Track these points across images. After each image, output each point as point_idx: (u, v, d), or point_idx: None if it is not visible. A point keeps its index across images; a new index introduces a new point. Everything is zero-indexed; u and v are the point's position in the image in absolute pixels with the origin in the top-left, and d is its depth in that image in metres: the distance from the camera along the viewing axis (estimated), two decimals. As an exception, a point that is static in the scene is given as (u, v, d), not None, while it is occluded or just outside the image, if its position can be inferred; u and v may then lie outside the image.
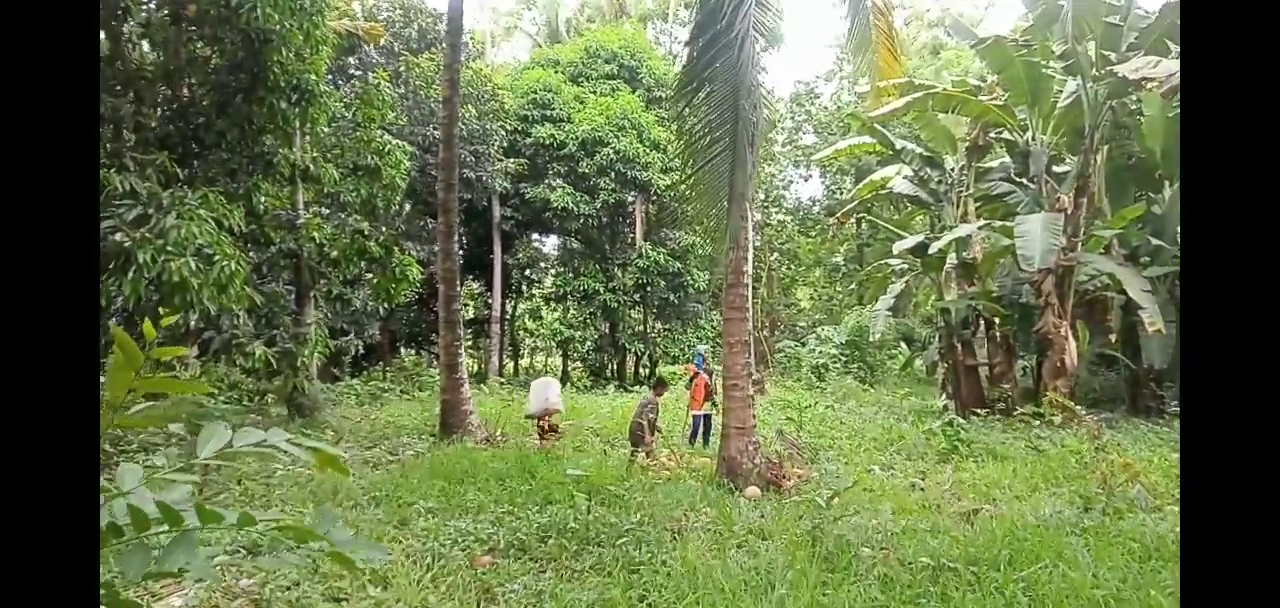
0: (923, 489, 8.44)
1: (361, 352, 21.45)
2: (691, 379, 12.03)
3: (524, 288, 29.27)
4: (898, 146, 17.16)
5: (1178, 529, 5.46)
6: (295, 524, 1.56)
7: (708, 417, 11.70)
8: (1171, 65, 11.04)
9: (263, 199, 12.54)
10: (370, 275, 14.86)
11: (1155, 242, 14.42)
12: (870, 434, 12.45)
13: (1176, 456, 8.96)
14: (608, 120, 23.76)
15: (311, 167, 13.11)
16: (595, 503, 6.69)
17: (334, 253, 13.25)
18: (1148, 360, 15.24)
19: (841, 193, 30.19)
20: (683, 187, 8.21)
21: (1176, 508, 6.58)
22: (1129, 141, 15.66)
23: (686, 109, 8.45)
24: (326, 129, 14.39)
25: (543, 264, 29.28)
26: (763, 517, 6.78)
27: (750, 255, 8.75)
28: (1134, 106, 15.41)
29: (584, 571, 5.22)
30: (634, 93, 25.36)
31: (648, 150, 23.68)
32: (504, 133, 23.56)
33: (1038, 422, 10.46)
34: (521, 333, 30.33)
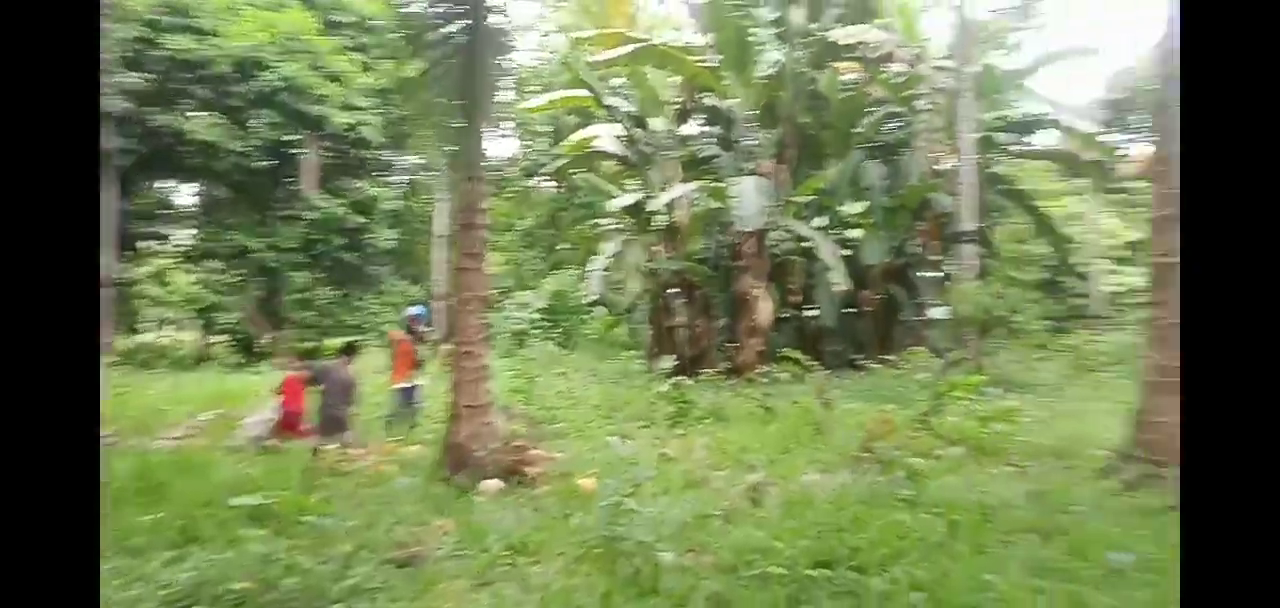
0: (672, 459, 7.54)
1: None
2: (396, 344, 9.81)
3: (140, 244, 22.97)
4: (608, 103, 16.45)
5: (990, 488, 5.17)
6: None
7: (412, 390, 9.61)
8: (879, 34, 11.72)
9: None
10: None
11: (846, 210, 15.70)
12: (593, 402, 11.47)
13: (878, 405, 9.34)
14: (271, 39, 19.45)
15: None
16: (272, 535, 4.45)
17: None
18: (821, 319, 16.74)
19: (536, 154, 29.22)
20: (405, 96, 6.12)
21: (941, 459, 6.51)
22: (813, 115, 16.86)
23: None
24: None
25: (173, 213, 23.48)
26: (519, 521, 5.17)
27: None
28: (817, 85, 16.59)
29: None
30: (309, 12, 21.23)
31: (323, 81, 19.95)
32: (124, 39, 17.91)
33: (764, 380, 10.43)
34: (141, 302, 23.83)
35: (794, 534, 4.35)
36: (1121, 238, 25.59)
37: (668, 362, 12.28)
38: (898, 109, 16.44)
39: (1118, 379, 13.07)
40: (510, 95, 29.29)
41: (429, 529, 4.99)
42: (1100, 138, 18.94)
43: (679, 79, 15.76)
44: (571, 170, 19.40)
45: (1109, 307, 23.83)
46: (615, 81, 17.08)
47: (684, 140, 16.88)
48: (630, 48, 13.96)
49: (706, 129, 17.24)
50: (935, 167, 16.89)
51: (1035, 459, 7.09)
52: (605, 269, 16.00)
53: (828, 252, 13.76)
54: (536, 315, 23.25)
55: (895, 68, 13.57)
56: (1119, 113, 22.95)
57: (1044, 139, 19.03)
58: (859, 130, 16.81)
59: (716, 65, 14.67)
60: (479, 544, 4.62)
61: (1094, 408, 10.39)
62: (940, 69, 15.17)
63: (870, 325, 17.06)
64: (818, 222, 16.95)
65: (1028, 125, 17.73)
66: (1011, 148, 18.27)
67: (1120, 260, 25.58)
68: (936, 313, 16.48)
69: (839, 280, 14.19)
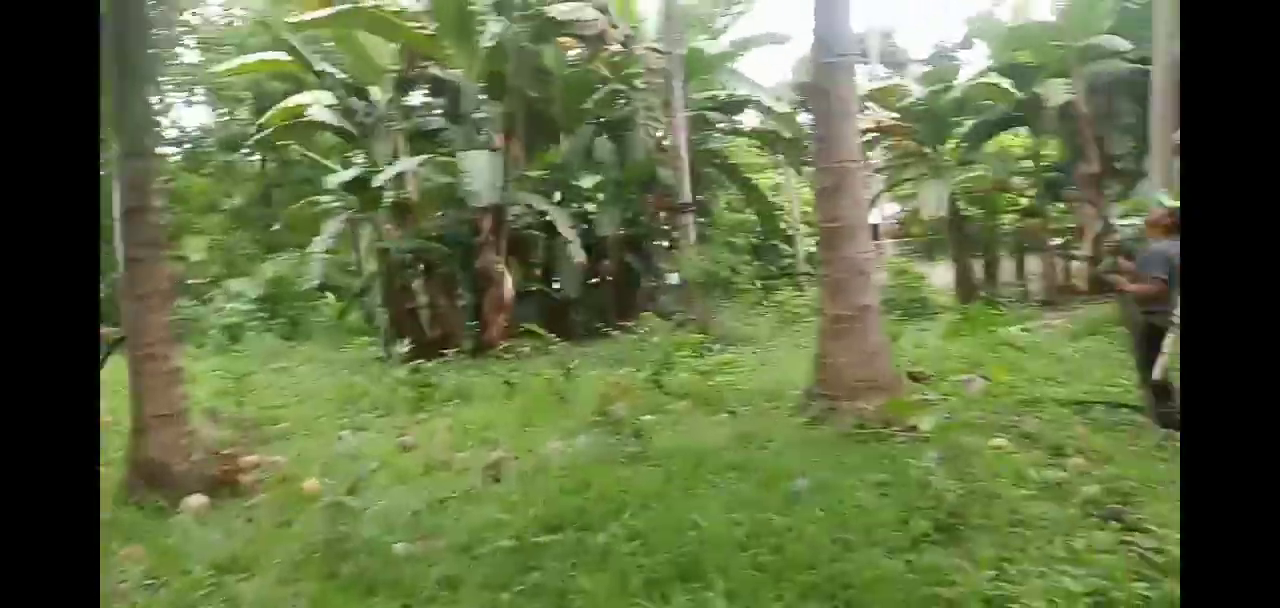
0: (414, 447, 7.30)
1: None
2: None
3: None
4: (319, 69, 15.12)
5: (706, 436, 5.67)
6: None
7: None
8: (594, 13, 12.08)
9: None
10: None
11: (581, 184, 16.13)
12: (325, 395, 10.66)
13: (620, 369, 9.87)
14: None
15: None
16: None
17: None
18: (564, 291, 17.15)
19: (238, 124, 26.02)
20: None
21: (669, 413, 7.03)
22: (541, 89, 17.02)
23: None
24: None
25: None
26: (228, 536, 4.66)
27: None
28: (542, 60, 16.76)
29: None
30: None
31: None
32: None
33: (509, 356, 10.42)
34: None
35: (527, 504, 4.45)
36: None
37: (407, 345, 11.77)
38: (620, 87, 17.24)
39: (815, 328, 15.12)
40: (194, 57, 25.72)
41: (112, 560, 4.29)
42: (796, 118, 21.58)
43: (396, 46, 14.95)
44: (281, 142, 17.59)
45: (809, 265, 27.42)
46: (324, 46, 15.76)
47: (408, 111, 16.13)
48: (337, 9, 12.93)
49: (432, 100, 16.64)
50: (660, 142, 18.03)
51: (746, 404, 7.96)
52: (329, 250, 14.82)
53: (564, 225, 14.09)
54: (254, 305, 20.86)
55: (612, 47, 14.18)
56: (805, 95, 26.25)
57: (749, 118, 21.21)
58: (588, 106, 17.35)
59: (436, 34, 14.15)
60: (177, 569, 4.09)
61: (795, 355, 11.90)
62: (653, 50, 16.16)
63: (611, 294, 17.85)
64: (555, 196, 17.29)
65: (734, 105, 19.61)
66: (721, 126, 20.09)
67: (815, 225, 29.53)
68: (668, 279, 17.76)
69: (578, 253, 14.62)
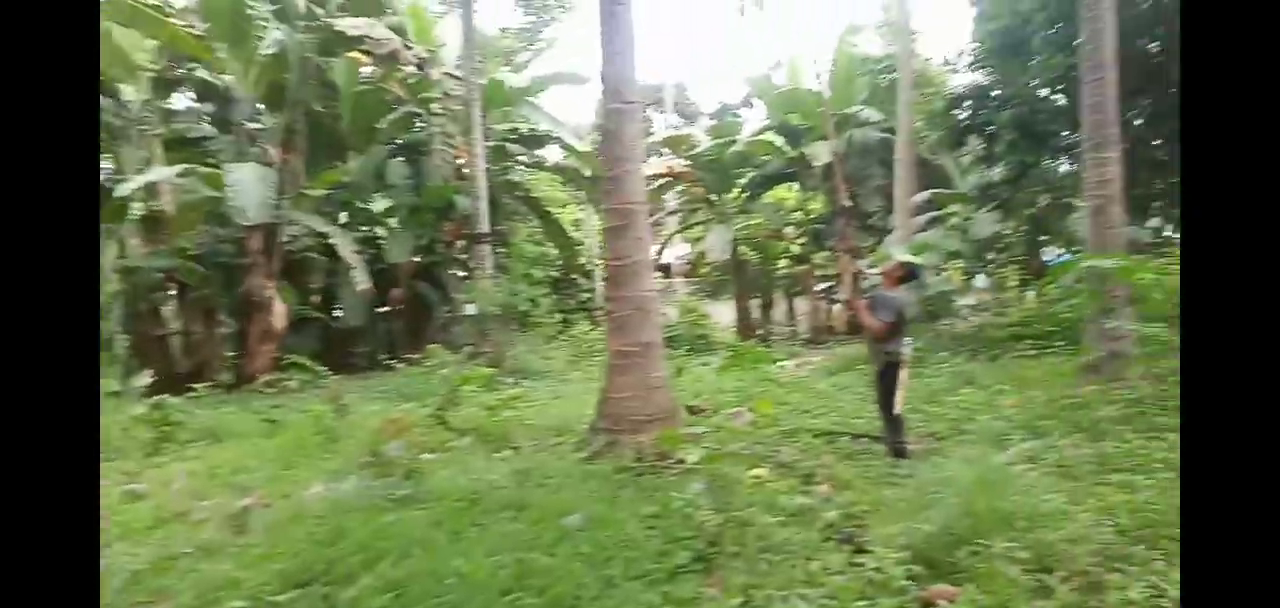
0: (145, 495, 6.35)
1: None
2: None
3: None
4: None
5: (485, 474, 5.46)
6: None
7: None
8: (386, 31, 11.56)
9: None
10: None
11: (372, 207, 15.20)
12: (34, 438, 8.99)
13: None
14: None
15: None
16: None
17: None
18: (346, 320, 16.03)
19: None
20: None
21: (451, 451, 6.73)
22: (327, 104, 15.96)
23: None
24: None
25: None
26: None
27: None
28: (330, 73, 15.78)
29: None
30: None
31: None
32: None
33: (273, 390, 9.44)
34: None
35: (273, 558, 4.01)
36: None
37: (149, 377, 10.32)
38: (417, 110, 16.65)
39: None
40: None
41: None
42: (595, 156, 22.11)
43: (155, 43, 13.32)
44: None
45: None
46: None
47: (168, 115, 14.39)
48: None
49: (197, 106, 14.98)
50: (459, 169, 17.60)
51: (532, 440, 7.85)
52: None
53: (347, 249, 13.21)
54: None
55: (406, 69, 13.67)
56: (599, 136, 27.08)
57: (551, 153, 21.41)
58: (381, 127, 16.52)
59: (205, 34, 12.81)
60: None
61: (586, 389, 12.01)
62: (451, 76, 15.83)
63: (401, 324, 16.98)
64: (341, 217, 16.20)
65: (536, 139, 19.71)
66: (522, 158, 20.10)
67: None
68: (464, 310, 17.25)
69: (363, 279, 13.76)
